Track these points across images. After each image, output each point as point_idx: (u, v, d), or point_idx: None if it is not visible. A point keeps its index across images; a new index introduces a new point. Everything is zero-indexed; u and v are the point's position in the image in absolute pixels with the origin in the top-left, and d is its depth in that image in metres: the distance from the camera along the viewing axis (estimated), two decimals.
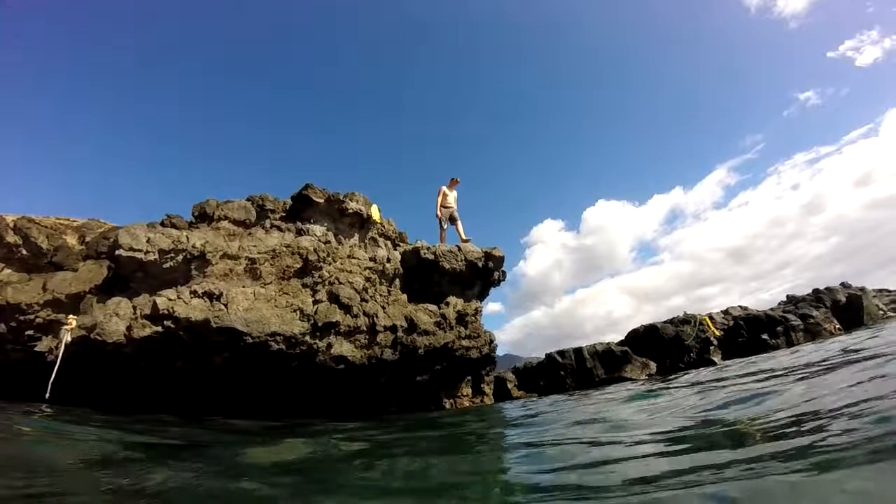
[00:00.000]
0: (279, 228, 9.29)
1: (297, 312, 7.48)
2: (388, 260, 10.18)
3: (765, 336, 12.75)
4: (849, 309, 13.83)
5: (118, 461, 3.65)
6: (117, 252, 7.18)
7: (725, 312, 14.06)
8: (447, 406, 11.44)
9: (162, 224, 8.39)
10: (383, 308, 8.78)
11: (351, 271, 8.83)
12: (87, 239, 9.16)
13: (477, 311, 12.24)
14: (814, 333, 12.97)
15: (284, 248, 8.41)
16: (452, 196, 8.56)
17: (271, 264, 8.12)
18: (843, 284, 14.59)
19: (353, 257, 9.38)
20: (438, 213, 8.39)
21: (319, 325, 7.46)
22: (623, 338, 14.85)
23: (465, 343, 10.91)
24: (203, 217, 8.72)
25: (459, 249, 13.63)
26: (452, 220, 8.49)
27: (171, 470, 3.30)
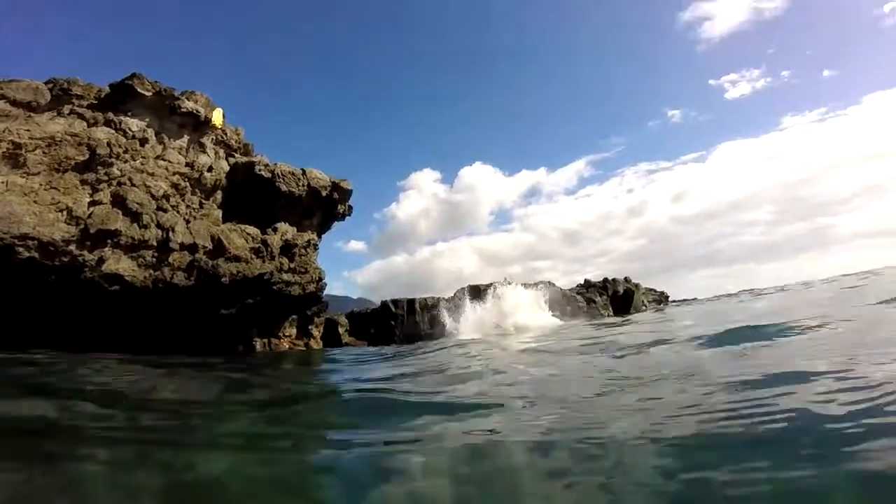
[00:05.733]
0: (81, 116, 7.57)
1: (65, 213, 6.35)
2: (210, 169, 9.17)
3: None
4: (623, 299, 17.21)
5: None
6: None
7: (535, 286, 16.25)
8: (258, 347, 10.70)
9: None
10: (187, 222, 7.99)
11: (154, 174, 7.74)
12: None
13: (310, 244, 11.70)
14: (592, 315, 15.91)
15: (69, 137, 6.89)
16: None
17: (44, 152, 6.64)
18: (625, 279, 18.00)
19: (164, 159, 8.18)
20: None
21: (92, 231, 6.48)
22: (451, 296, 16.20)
23: (286, 277, 10.27)
24: None
25: (304, 173, 12.80)
26: None
27: None
